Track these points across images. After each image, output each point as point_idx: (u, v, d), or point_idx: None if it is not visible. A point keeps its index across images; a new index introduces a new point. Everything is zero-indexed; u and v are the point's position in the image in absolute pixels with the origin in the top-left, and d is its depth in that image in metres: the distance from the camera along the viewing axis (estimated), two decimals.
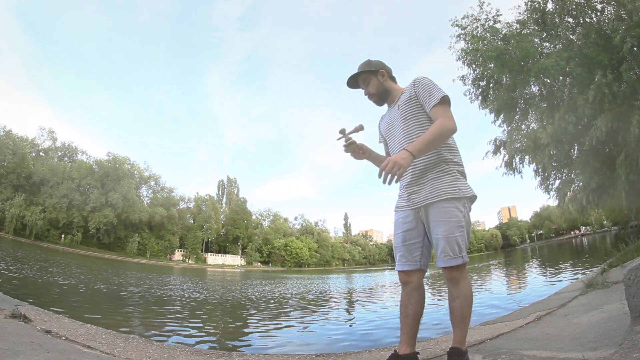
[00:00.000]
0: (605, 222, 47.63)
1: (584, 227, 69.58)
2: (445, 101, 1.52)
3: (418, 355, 1.57)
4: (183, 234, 55.05)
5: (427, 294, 7.14)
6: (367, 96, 1.78)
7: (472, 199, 1.59)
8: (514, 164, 12.10)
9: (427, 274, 1.69)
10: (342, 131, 1.67)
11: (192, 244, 54.90)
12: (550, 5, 10.68)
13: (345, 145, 1.67)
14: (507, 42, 10.79)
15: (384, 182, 1.36)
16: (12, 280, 6.98)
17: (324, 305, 6.96)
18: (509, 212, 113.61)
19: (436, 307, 5.03)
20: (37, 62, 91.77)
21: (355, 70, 1.74)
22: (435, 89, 1.56)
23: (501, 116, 12.19)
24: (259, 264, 62.08)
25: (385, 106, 1.82)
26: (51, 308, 3.31)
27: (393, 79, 1.77)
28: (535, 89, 11.44)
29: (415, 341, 1.57)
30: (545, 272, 9.70)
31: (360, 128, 1.65)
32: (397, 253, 1.65)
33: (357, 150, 1.72)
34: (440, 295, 6.43)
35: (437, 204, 1.52)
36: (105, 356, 1.76)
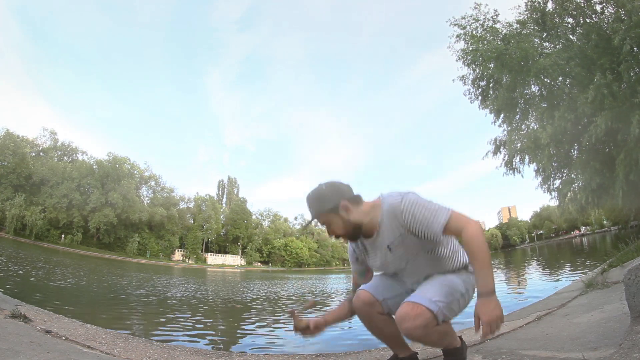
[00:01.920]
0: (605, 222, 47.67)
1: (584, 227, 69.58)
2: (448, 213, 1.24)
3: (417, 355, 1.55)
4: (183, 234, 55.08)
5: None
6: (332, 237, 1.43)
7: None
8: (514, 164, 12.09)
9: None
10: (291, 312, 1.51)
11: (192, 244, 54.92)
12: (550, 6, 10.68)
13: (296, 329, 1.49)
14: (507, 43, 10.78)
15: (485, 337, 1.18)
16: (12, 280, 6.98)
17: (324, 305, 6.96)
18: (509, 212, 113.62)
19: None
20: (37, 62, 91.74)
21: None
22: (429, 211, 1.24)
23: (501, 116, 12.18)
24: (259, 264, 62.07)
25: None
26: (50, 306, 3.31)
27: (359, 202, 1.36)
28: (535, 88, 11.44)
29: (407, 344, 1.53)
30: (545, 272, 9.71)
31: (312, 304, 1.51)
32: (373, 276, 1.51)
33: (310, 331, 1.49)
34: None
35: (434, 276, 1.38)
36: (105, 356, 1.76)
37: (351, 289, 1.64)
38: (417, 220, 1.24)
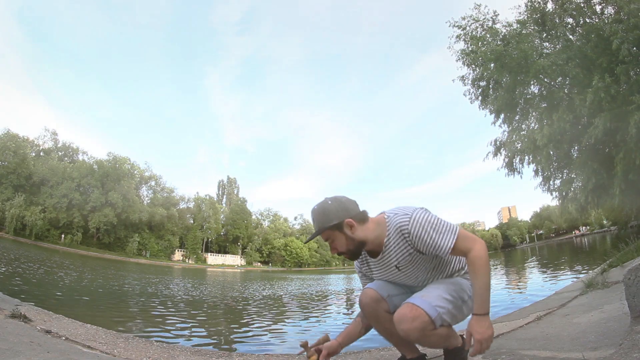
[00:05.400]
0: (605, 222, 47.67)
1: (583, 227, 69.59)
2: (455, 235, 1.24)
3: (426, 357, 1.53)
4: (183, 234, 55.06)
5: None
6: (334, 253, 1.42)
7: None
8: (514, 164, 12.09)
9: None
10: (305, 345, 1.47)
11: (192, 244, 54.92)
12: (550, 6, 10.70)
13: None
14: (506, 43, 10.79)
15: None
16: (12, 280, 6.98)
17: (324, 305, 6.96)
18: (509, 212, 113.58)
19: None
20: (37, 63, 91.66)
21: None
22: (437, 232, 1.24)
23: (501, 116, 12.20)
24: (259, 264, 62.07)
25: None
26: (50, 306, 3.31)
27: (364, 220, 1.34)
28: (535, 89, 11.46)
29: (415, 345, 1.52)
30: (545, 272, 9.71)
31: (324, 339, 1.49)
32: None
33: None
34: None
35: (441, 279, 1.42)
36: (105, 356, 1.76)
37: None
38: (425, 243, 1.25)
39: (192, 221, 57.98)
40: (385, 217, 1.35)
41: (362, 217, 1.34)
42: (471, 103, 12.54)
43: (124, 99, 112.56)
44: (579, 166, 10.39)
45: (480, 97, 12.35)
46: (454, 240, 1.23)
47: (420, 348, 1.56)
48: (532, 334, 2.05)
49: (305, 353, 1.48)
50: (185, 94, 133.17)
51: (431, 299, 1.25)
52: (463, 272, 1.45)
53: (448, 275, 1.43)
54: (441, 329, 1.27)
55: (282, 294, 9.47)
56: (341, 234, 1.32)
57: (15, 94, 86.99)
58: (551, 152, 10.81)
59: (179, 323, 4.35)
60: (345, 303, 7.48)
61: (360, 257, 1.47)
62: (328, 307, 6.70)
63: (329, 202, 1.35)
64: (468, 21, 11.53)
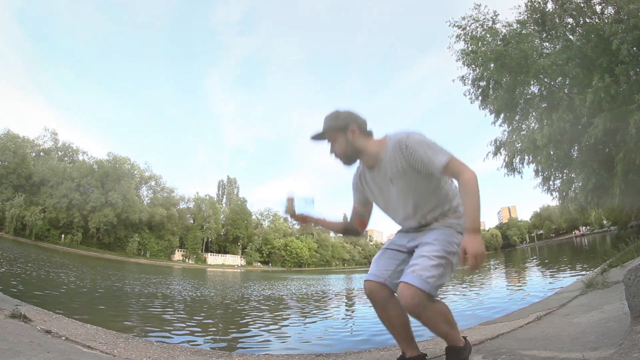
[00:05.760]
0: (605, 222, 47.67)
1: (583, 227, 69.59)
2: (449, 155, 1.32)
3: (426, 357, 1.52)
4: (183, 234, 55.03)
5: None
6: (331, 155, 1.50)
7: None
8: (514, 164, 12.09)
9: None
10: (290, 198, 1.55)
11: (192, 244, 54.90)
12: (550, 6, 10.70)
13: (287, 211, 1.55)
14: (506, 43, 10.79)
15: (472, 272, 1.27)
16: (12, 280, 6.98)
17: (324, 305, 6.96)
18: (509, 212, 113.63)
19: None
20: (37, 63, 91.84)
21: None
22: (432, 150, 1.33)
23: (501, 116, 12.19)
24: (259, 264, 62.05)
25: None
26: (50, 306, 3.31)
27: (368, 134, 1.46)
28: (535, 89, 11.46)
29: (416, 342, 1.53)
30: (545, 272, 9.70)
31: (311, 201, 1.54)
32: (372, 264, 1.55)
33: (298, 217, 1.58)
34: (446, 290, 6.41)
35: (435, 230, 1.44)
36: (105, 356, 1.76)
37: (350, 218, 1.69)
38: (419, 156, 1.33)
39: (192, 221, 57.96)
40: (387, 136, 1.45)
41: (367, 131, 1.46)
42: (471, 103, 12.55)
43: (124, 99, 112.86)
44: (579, 166, 10.39)
45: (480, 97, 12.34)
46: (448, 159, 1.31)
47: (421, 348, 1.56)
48: (532, 334, 2.04)
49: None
50: (185, 94, 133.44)
51: (422, 271, 1.29)
52: (455, 214, 1.46)
53: (440, 215, 1.45)
54: (439, 305, 1.35)
55: (282, 294, 9.47)
56: (343, 138, 1.44)
57: (15, 94, 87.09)
58: (551, 152, 10.81)
59: (179, 323, 4.35)
60: (345, 303, 7.48)
61: (359, 172, 1.57)
62: (328, 307, 6.70)
63: (341, 109, 1.47)
64: (468, 21, 11.53)
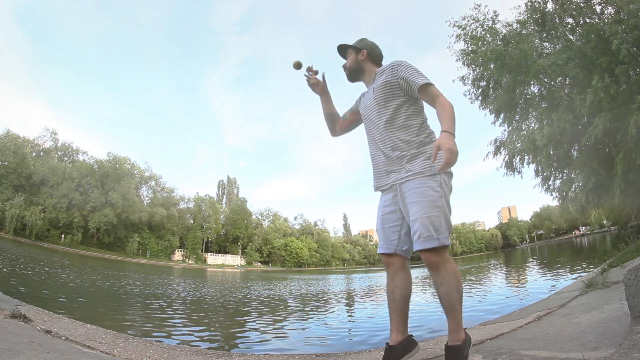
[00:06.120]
0: (605, 222, 47.68)
1: (583, 227, 69.59)
2: (430, 81, 1.51)
3: (413, 338, 1.56)
4: (183, 234, 55.03)
5: (427, 289, 7.16)
6: (343, 68, 1.85)
7: (449, 175, 1.52)
8: (514, 164, 12.09)
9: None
10: (310, 68, 1.94)
11: (192, 244, 54.88)
12: (550, 6, 10.70)
13: (309, 79, 1.94)
14: (506, 43, 10.79)
15: (445, 168, 1.35)
16: (12, 280, 6.98)
17: (324, 305, 6.96)
18: (509, 212, 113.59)
19: (438, 305, 5.03)
20: (37, 63, 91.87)
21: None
22: (418, 72, 1.56)
23: (501, 116, 12.19)
24: (259, 264, 62.04)
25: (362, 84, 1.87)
26: (50, 306, 3.31)
27: (376, 63, 1.79)
28: (535, 89, 11.45)
29: (407, 327, 1.56)
30: (545, 272, 9.70)
31: (316, 72, 1.93)
32: (378, 236, 1.68)
33: (316, 82, 1.93)
34: None
35: (409, 183, 1.49)
36: (105, 356, 1.76)
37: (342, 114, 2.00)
38: (403, 72, 1.56)
39: (192, 221, 57.94)
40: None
41: (375, 60, 1.80)
42: (471, 103, 12.55)
43: (124, 99, 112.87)
44: (579, 166, 10.38)
45: (480, 97, 12.34)
46: (428, 82, 1.50)
47: (422, 348, 1.56)
48: (532, 334, 2.04)
49: (304, 72, 1.95)
50: (185, 94, 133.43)
51: (425, 232, 1.39)
52: (428, 143, 1.54)
53: (417, 144, 1.53)
54: (453, 265, 1.47)
55: (282, 294, 9.47)
56: (354, 57, 1.79)
57: (15, 94, 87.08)
58: (551, 152, 10.80)
59: (179, 323, 4.35)
60: (345, 303, 7.48)
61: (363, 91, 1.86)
62: (328, 307, 6.70)
63: (367, 39, 1.84)
64: (468, 21, 11.53)
